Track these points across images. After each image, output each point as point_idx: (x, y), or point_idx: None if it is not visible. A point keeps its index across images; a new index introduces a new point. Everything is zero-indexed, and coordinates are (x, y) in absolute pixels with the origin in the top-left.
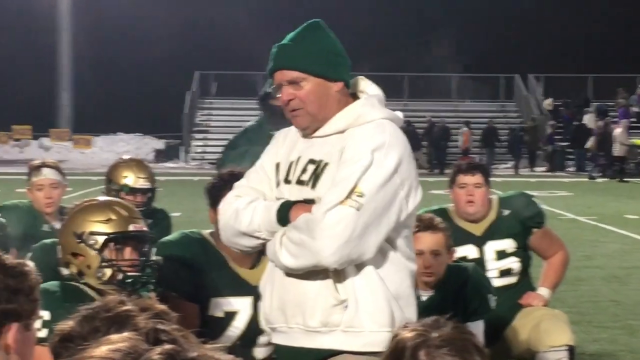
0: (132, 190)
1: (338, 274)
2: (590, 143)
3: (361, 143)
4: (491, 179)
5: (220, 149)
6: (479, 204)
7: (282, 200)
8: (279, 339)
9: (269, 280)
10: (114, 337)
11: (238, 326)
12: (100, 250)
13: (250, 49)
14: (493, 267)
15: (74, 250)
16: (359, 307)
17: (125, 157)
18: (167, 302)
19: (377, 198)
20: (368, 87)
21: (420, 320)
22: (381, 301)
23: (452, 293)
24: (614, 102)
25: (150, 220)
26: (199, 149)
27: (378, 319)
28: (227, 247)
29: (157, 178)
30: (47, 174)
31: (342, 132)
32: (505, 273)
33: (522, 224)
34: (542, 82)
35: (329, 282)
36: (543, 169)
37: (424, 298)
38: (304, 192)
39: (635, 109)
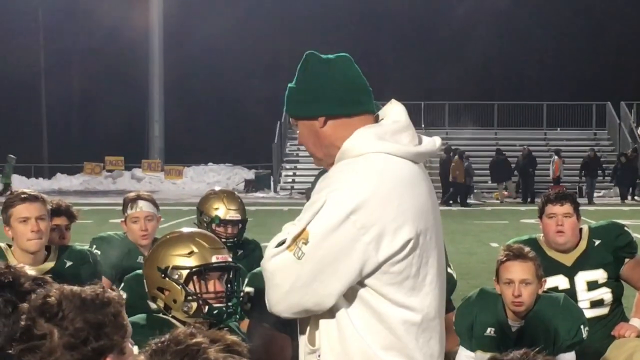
0: (223, 222)
1: (314, 323)
2: None
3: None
4: (593, 207)
5: (309, 179)
6: (568, 234)
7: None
8: None
9: None
10: None
11: None
12: (185, 284)
13: None
14: (584, 298)
15: (159, 285)
16: (330, 357)
17: (217, 188)
18: (260, 333)
19: (324, 245)
20: (390, 112)
21: (509, 352)
22: (354, 352)
23: (543, 323)
24: None
25: (241, 251)
26: (289, 179)
27: None
28: None
29: (247, 208)
30: (143, 206)
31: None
32: (596, 304)
33: (613, 254)
34: (635, 109)
35: (304, 330)
36: None
37: (514, 329)
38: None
39: None
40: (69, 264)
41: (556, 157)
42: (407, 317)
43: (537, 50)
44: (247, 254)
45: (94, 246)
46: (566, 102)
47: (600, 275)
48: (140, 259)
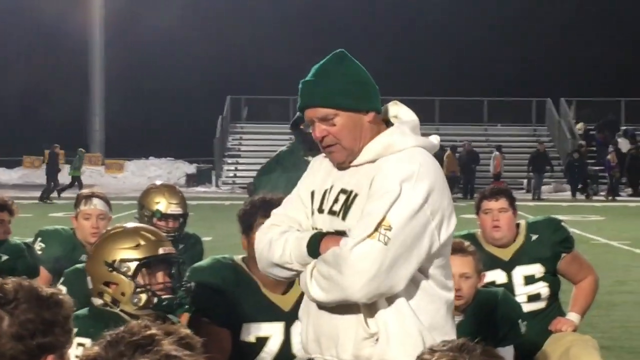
0: (164, 216)
1: (369, 307)
2: None
3: (390, 174)
4: (540, 203)
5: (251, 174)
6: (504, 229)
7: (312, 232)
8: None
9: (305, 311)
10: None
11: (270, 351)
12: (133, 276)
13: (281, 73)
14: (521, 292)
15: (106, 279)
16: (390, 340)
17: (158, 182)
18: (200, 327)
19: (405, 231)
20: (401, 112)
21: (448, 343)
22: (412, 333)
23: (482, 317)
24: None
25: (181, 245)
26: (231, 174)
27: (410, 352)
28: (258, 272)
29: (188, 202)
30: (97, 204)
31: (373, 161)
32: (533, 298)
33: (550, 248)
34: (574, 106)
35: (359, 315)
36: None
37: None
38: (335, 223)
39: None
40: (4, 257)
41: (497, 152)
42: (448, 297)
43: (478, 46)
44: (188, 248)
45: (39, 238)
46: (507, 98)
47: (537, 269)
48: (84, 258)
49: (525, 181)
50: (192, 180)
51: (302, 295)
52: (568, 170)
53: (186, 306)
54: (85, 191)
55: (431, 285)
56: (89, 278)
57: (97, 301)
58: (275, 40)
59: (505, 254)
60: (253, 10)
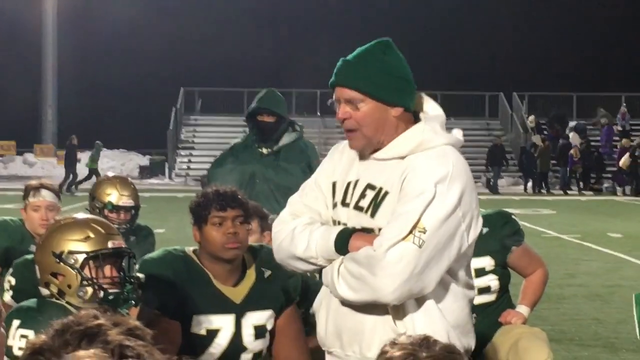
0: (116, 208)
1: (397, 308)
2: (623, 161)
3: (424, 175)
4: (495, 197)
5: (204, 166)
6: None
7: (340, 228)
8: None
9: (324, 304)
10: (81, 353)
11: (220, 344)
12: (80, 269)
13: (235, 65)
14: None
15: (53, 270)
16: None
17: (109, 174)
18: (150, 319)
19: (439, 233)
20: (429, 107)
21: (407, 337)
22: (439, 333)
23: None
24: (592, 121)
25: (133, 237)
26: (184, 166)
27: None
28: (210, 264)
29: (141, 194)
30: (46, 195)
31: (402, 157)
32: (483, 291)
33: (500, 242)
34: (527, 100)
35: (387, 315)
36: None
37: None
38: (362, 220)
39: (619, 128)
40: None
41: None
42: (471, 296)
43: (430, 40)
44: (140, 240)
45: None
46: (459, 92)
47: (487, 262)
48: (33, 248)
49: (482, 175)
50: (145, 172)
51: (252, 287)
52: (526, 164)
53: (133, 302)
54: (33, 182)
55: (457, 285)
56: (36, 267)
57: (44, 291)
58: (229, 33)
59: None
60: (208, 2)
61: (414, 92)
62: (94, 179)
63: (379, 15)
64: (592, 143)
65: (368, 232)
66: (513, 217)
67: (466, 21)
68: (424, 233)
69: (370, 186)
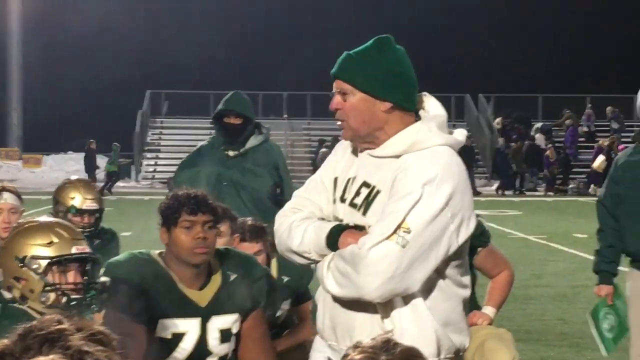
0: (79, 212)
1: (384, 305)
2: (597, 163)
3: (413, 175)
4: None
5: (171, 169)
6: None
7: (333, 224)
8: (333, 356)
9: (322, 297)
10: (40, 358)
11: (185, 348)
12: (43, 274)
13: (202, 68)
14: None
15: (16, 275)
16: (405, 337)
17: (73, 177)
18: (115, 323)
19: (424, 234)
20: (430, 106)
21: (371, 340)
22: (427, 331)
23: None
24: (557, 122)
25: (98, 240)
26: (150, 168)
27: (424, 349)
28: (176, 267)
29: (107, 197)
30: (7, 198)
31: (397, 156)
32: None
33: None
34: (493, 101)
35: (375, 311)
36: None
37: None
38: (355, 217)
39: (584, 129)
40: None
41: None
42: (464, 294)
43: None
44: (104, 243)
45: None
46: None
47: None
48: None
49: None
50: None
51: (218, 291)
52: (500, 165)
53: (95, 307)
54: None
55: (448, 284)
56: (0, 270)
57: (7, 295)
58: (196, 35)
59: None
60: (173, 4)
61: (412, 89)
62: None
63: (339, 16)
64: (557, 145)
65: (360, 229)
66: (479, 218)
67: (432, 23)
68: (408, 233)
69: (365, 184)
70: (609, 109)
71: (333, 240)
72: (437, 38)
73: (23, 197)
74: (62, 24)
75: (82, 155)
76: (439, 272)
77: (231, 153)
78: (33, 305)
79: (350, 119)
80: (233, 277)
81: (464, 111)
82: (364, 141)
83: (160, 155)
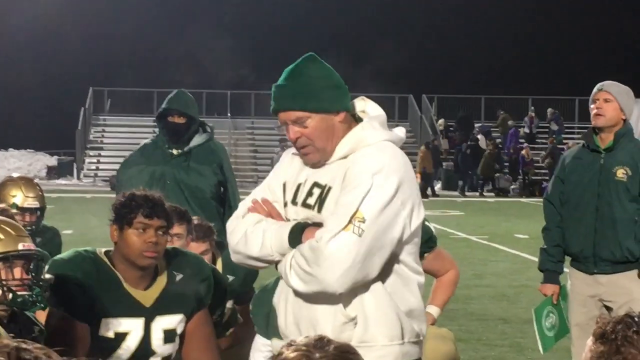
0: (21, 210)
1: (347, 293)
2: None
3: (361, 167)
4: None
5: (113, 166)
6: None
7: (293, 222)
8: None
9: (283, 296)
10: None
11: (128, 347)
12: None
13: (145, 65)
14: None
15: None
16: (369, 322)
17: (15, 175)
18: (58, 321)
19: (378, 222)
20: (369, 108)
21: (304, 338)
22: (390, 315)
23: None
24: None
25: (39, 238)
26: (92, 166)
27: (389, 333)
28: (122, 266)
29: (49, 195)
30: None
31: (346, 157)
32: None
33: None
34: (436, 102)
35: (337, 301)
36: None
37: None
38: (310, 216)
39: (526, 130)
40: None
41: None
42: (421, 281)
43: (342, 40)
44: (46, 241)
45: None
46: (369, 93)
47: None
48: None
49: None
50: (53, 172)
51: (163, 291)
52: (461, 165)
53: (41, 304)
54: None
55: (405, 271)
56: None
57: None
58: (139, 32)
59: None
60: (117, 1)
61: (348, 93)
62: None
63: (283, 15)
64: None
65: (320, 226)
66: (426, 222)
67: (376, 23)
68: (363, 222)
69: (316, 184)
70: (549, 110)
71: (295, 238)
72: (381, 38)
73: None
74: (4, 20)
75: (24, 152)
76: (397, 259)
77: (175, 152)
78: None
79: (315, 141)
80: (179, 277)
81: (407, 112)
82: (328, 157)
83: (103, 153)
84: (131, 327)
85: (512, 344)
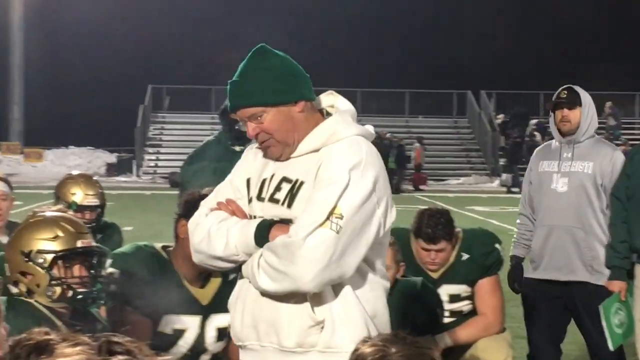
0: (80, 208)
1: (315, 295)
2: None
3: (338, 162)
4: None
5: (172, 164)
6: (440, 264)
7: (258, 220)
8: (249, 357)
9: (240, 297)
10: (68, 350)
11: (184, 344)
12: (49, 268)
13: (203, 63)
14: (445, 309)
15: (22, 269)
16: (336, 327)
17: (75, 172)
18: (122, 315)
19: (355, 219)
20: (338, 102)
21: (380, 334)
22: (358, 321)
23: (401, 307)
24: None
25: (100, 235)
26: (151, 163)
27: (355, 339)
28: (182, 263)
29: (108, 192)
30: None
31: (317, 150)
32: (456, 314)
33: (479, 270)
34: (494, 98)
35: (305, 303)
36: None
37: None
38: (278, 211)
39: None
40: None
41: (418, 144)
42: (386, 285)
43: (399, 37)
44: (106, 238)
45: None
46: (428, 90)
47: (463, 289)
48: None
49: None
50: (113, 169)
51: (218, 290)
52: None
53: (102, 301)
54: None
55: (373, 274)
56: (6, 265)
57: (13, 289)
58: (197, 30)
59: (434, 274)
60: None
61: (308, 81)
62: None
63: (347, 15)
64: None
65: (287, 222)
66: (496, 245)
67: (433, 19)
68: (341, 219)
69: (285, 179)
70: (607, 104)
71: (261, 236)
72: (438, 34)
73: (24, 191)
74: (64, 18)
75: (84, 150)
76: (367, 262)
77: (237, 148)
78: (39, 299)
79: (275, 134)
80: (232, 276)
81: (466, 108)
82: (293, 149)
83: (162, 150)
84: (189, 324)
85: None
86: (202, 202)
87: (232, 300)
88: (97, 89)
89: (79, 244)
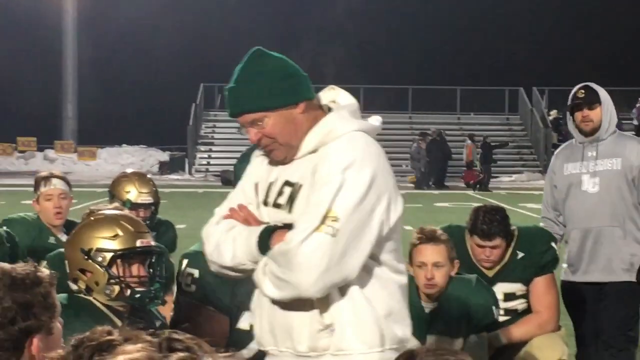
0: (135, 206)
1: (322, 299)
2: None
3: (332, 162)
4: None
5: (224, 162)
6: (494, 261)
7: (261, 228)
8: None
9: (258, 304)
10: (128, 347)
11: None
12: (108, 267)
13: None
14: (500, 307)
15: (81, 267)
16: (346, 330)
17: (128, 170)
18: (202, 313)
19: (352, 219)
20: (340, 97)
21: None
22: (368, 322)
23: (456, 305)
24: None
25: (154, 232)
26: (204, 161)
27: (367, 340)
28: None
29: (161, 190)
30: (57, 184)
31: (315, 150)
32: (510, 312)
33: (535, 269)
34: (547, 95)
35: (313, 308)
36: None
37: (427, 310)
38: (281, 216)
39: (635, 122)
40: None
41: (469, 141)
42: (401, 281)
43: (451, 35)
44: (160, 235)
45: (4, 227)
46: (480, 86)
47: (518, 288)
48: (52, 240)
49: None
50: (165, 167)
51: None
52: None
53: (159, 301)
54: (43, 173)
55: (384, 271)
56: (66, 262)
57: (73, 286)
58: (248, 28)
59: (489, 271)
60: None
61: (307, 80)
62: None
63: (395, 13)
64: None
65: (290, 227)
66: (552, 244)
67: (485, 16)
68: (337, 221)
69: (287, 183)
70: None
71: (264, 244)
72: (489, 31)
73: (78, 190)
74: (116, 17)
75: (137, 148)
76: (374, 259)
77: None
78: (98, 297)
79: (278, 137)
80: None
81: (518, 105)
82: (296, 151)
83: (214, 148)
84: None
85: None
86: (216, 209)
87: (253, 306)
88: (149, 88)
89: (138, 243)
